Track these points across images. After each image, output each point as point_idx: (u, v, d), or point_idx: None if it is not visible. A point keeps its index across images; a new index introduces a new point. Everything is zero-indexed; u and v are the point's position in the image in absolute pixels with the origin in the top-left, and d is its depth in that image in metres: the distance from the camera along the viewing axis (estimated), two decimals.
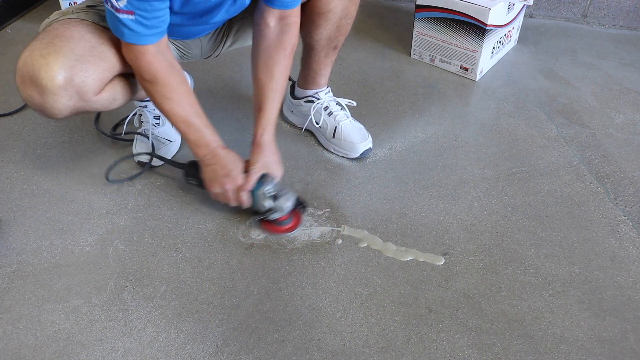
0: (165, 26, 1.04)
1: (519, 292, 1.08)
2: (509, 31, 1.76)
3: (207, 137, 1.14)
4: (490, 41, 1.64)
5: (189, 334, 1.01)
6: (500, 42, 1.72)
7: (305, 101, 1.43)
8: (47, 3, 2.12)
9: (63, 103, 1.04)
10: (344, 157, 1.40)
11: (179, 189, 1.31)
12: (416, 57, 1.79)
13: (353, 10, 1.27)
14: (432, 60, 1.76)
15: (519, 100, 1.60)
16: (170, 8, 1.04)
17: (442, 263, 1.13)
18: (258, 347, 0.99)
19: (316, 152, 1.42)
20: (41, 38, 1.05)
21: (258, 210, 1.18)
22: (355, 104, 1.45)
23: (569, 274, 1.11)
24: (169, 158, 1.35)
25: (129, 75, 1.15)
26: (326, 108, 1.41)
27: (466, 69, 1.69)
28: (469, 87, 1.67)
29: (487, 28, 1.58)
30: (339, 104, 1.43)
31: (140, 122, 1.40)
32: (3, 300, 1.08)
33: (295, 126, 1.50)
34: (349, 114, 1.43)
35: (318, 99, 1.41)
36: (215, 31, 1.32)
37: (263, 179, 1.15)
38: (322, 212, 1.25)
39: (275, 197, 1.15)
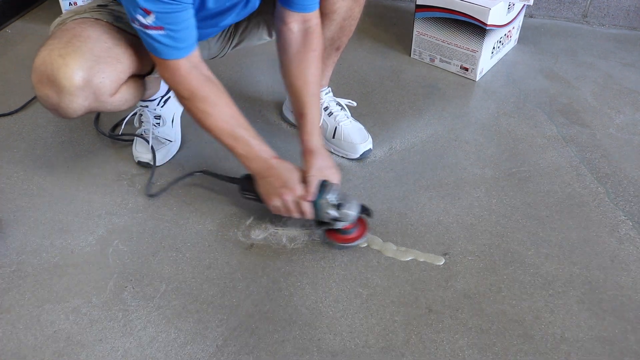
0: (195, 38, 1.02)
1: (519, 292, 1.08)
2: (509, 31, 1.76)
3: (257, 148, 1.10)
4: (490, 41, 1.64)
5: (189, 334, 1.01)
6: (500, 42, 1.72)
7: None
8: (47, 3, 2.12)
9: (79, 103, 1.05)
10: (343, 157, 1.40)
11: (179, 189, 1.31)
12: (416, 57, 1.79)
13: (357, 12, 1.26)
14: (432, 60, 1.76)
15: (519, 100, 1.60)
16: None
17: (442, 263, 1.13)
18: (258, 347, 0.99)
19: None
20: (59, 37, 1.04)
21: (322, 219, 1.12)
22: (355, 104, 1.45)
23: (569, 274, 1.11)
24: (214, 171, 1.30)
25: (140, 76, 1.15)
26: (326, 108, 1.41)
27: (466, 69, 1.69)
28: (469, 87, 1.67)
29: (487, 28, 1.58)
30: (339, 104, 1.42)
31: (141, 122, 1.40)
32: (3, 300, 1.08)
33: (296, 126, 1.50)
34: (349, 114, 1.43)
35: (320, 98, 1.41)
36: (223, 32, 1.32)
37: (323, 186, 1.09)
38: None
39: (338, 206, 1.10)
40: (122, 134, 1.45)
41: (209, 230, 1.21)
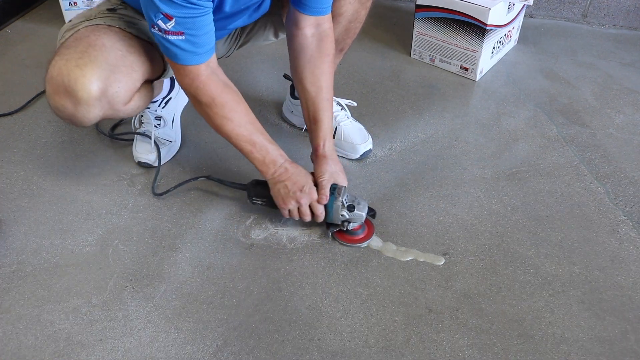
0: (213, 43, 1.02)
1: (519, 292, 1.08)
2: (509, 31, 1.76)
3: (274, 153, 1.11)
4: (490, 41, 1.64)
5: (189, 334, 1.01)
6: (500, 42, 1.72)
7: None
8: (47, 3, 2.12)
9: (95, 113, 1.06)
10: (344, 157, 1.40)
11: (178, 189, 1.31)
12: (416, 57, 1.79)
13: (363, 15, 1.27)
14: (432, 60, 1.76)
15: (519, 100, 1.60)
16: None
17: (442, 263, 1.13)
18: (258, 347, 0.99)
19: None
20: (73, 46, 1.04)
21: (333, 222, 1.15)
22: (355, 104, 1.45)
23: (569, 274, 1.11)
24: (217, 176, 1.30)
25: (149, 81, 1.15)
26: None
27: (466, 69, 1.69)
28: (469, 87, 1.67)
29: (487, 28, 1.58)
30: (339, 104, 1.42)
31: (141, 123, 1.40)
32: (3, 300, 1.08)
33: (296, 126, 1.50)
34: (350, 114, 1.43)
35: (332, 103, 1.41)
36: (230, 33, 1.32)
37: (335, 190, 1.13)
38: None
39: (350, 208, 1.13)
40: (122, 134, 1.45)
41: (209, 230, 1.21)
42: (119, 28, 1.09)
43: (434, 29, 1.69)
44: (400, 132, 1.48)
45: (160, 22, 0.94)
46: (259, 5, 1.14)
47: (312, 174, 1.16)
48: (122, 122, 1.49)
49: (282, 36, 1.34)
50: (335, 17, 1.21)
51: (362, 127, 1.41)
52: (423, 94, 1.64)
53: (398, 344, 0.99)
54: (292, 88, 1.48)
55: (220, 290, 1.09)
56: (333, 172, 1.15)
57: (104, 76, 1.02)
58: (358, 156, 1.38)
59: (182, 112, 1.52)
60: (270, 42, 1.41)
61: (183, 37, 0.96)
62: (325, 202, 1.12)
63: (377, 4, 2.11)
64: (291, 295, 1.08)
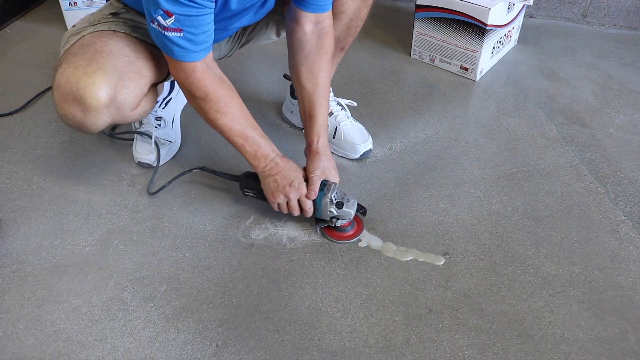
0: (211, 41, 1.03)
1: (519, 292, 1.08)
2: (509, 31, 1.75)
3: (265, 148, 1.13)
4: (490, 41, 1.64)
5: (189, 334, 1.01)
6: (500, 42, 1.72)
7: None
8: (47, 3, 2.12)
9: (104, 120, 1.06)
10: (344, 157, 1.40)
11: (179, 189, 1.31)
12: (416, 57, 1.79)
13: (364, 13, 1.27)
14: (432, 60, 1.76)
15: (519, 100, 1.60)
16: None
17: (442, 263, 1.13)
18: (258, 347, 0.99)
19: None
20: (81, 53, 1.04)
21: (322, 217, 1.15)
22: (356, 104, 1.45)
23: (569, 274, 1.11)
24: (213, 169, 1.31)
25: (153, 85, 1.16)
26: None
27: (466, 69, 1.69)
28: (469, 87, 1.67)
29: (487, 28, 1.58)
30: (339, 104, 1.42)
31: (141, 124, 1.40)
32: (3, 300, 1.08)
33: (296, 126, 1.50)
34: (350, 114, 1.43)
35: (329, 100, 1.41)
36: (233, 34, 1.32)
37: (325, 186, 1.13)
38: None
39: (338, 204, 1.13)
40: (122, 133, 1.45)
41: (209, 230, 1.21)
42: (124, 33, 1.10)
43: (434, 29, 1.69)
44: (400, 132, 1.48)
45: (160, 18, 0.94)
46: (264, 3, 1.14)
47: (305, 169, 1.16)
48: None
49: (284, 35, 1.33)
50: (337, 14, 1.21)
51: (362, 127, 1.41)
52: (423, 94, 1.64)
53: (398, 344, 0.99)
54: (292, 88, 1.48)
55: (220, 290, 1.09)
56: (325, 169, 1.16)
57: (112, 83, 1.03)
58: (358, 156, 1.38)
59: (182, 112, 1.52)
60: (272, 41, 1.41)
61: (181, 34, 0.96)
62: (313, 197, 1.13)
63: (377, 4, 2.11)
64: (291, 295, 1.08)
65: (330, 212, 1.13)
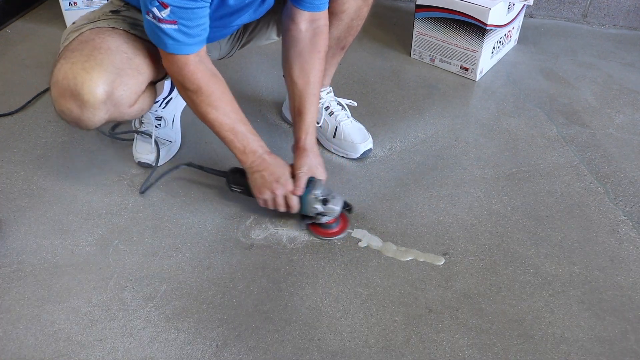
0: (206, 34, 1.03)
1: (519, 292, 1.08)
2: (509, 31, 1.75)
3: (254, 144, 1.13)
4: (490, 41, 1.64)
5: (189, 334, 1.01)
6: (500, 42, 1.72)
7: None
8: (47, 3, 2.12)
9: (101, 116, 1.06)
10: (344, 157, 1.40)
11: (179, 189, 1.31)
12: (416, 57, 1.79)
13: (365, 12, 1.27)
14: (432, 60, 1.76)
15: (519, 100, 1.60)
16: None
17: (442, 263, 1.13)
18: (258, 347, 0.99)
19: None
20: (79, 49, 1.04)
21: (307, 214, 1.16)
22: (356, 104, 1.45)
23: (569, 274, 1.11)
24: (203, 165, 1.31)
25: (152, 83, 1.16)
26: (327, 108, 1.41)
27: (466, 69, 1.69)
28: (469, 87, 1.67)
29: (487, 28, 1.58)
30: (339, 103, 1.42)
31: (141, 123, 1.40)
32: (3, 300, 1.08)
33: None
34: (350, 114, 1.43)
35: (319, 99, 1.41)
36: (234, 32, 1.32)
37: (311, 182, 1.14)
38: None
39: (324, 201, 1.14)
40: (122, 133, 1.45)
41: (209, 230, 1.21)
42: (124, 30, 1.10)
43: (434, 29, 1.69)
44: (400, 132, 1.48)
45: (155, 10, 0.94)
46: (263, 0, 1.14)
47: (292, 166, 1.17)
48: (121, 123, 1.49)
49: None
50: (337, 13, 1.21)
51: (362, 126, 1.41)
52: (423, 94, 1.64)
53: (398, 344, 0.99)
54: None
55: (220, 290, 1.09)
56: (312, 165, 1.17)
57: (110, 80, 1.02)
58: (358, 156, 1.38)
59: (182, 112, 1.52)
60: (272, 42, 1.41)
61: (176, 26, 0.96)
62: (299, 193, 1.13)
63: (377, 4, 2.11)
64: (291, 295, 1.08)
65: (315, 208, 1.14)
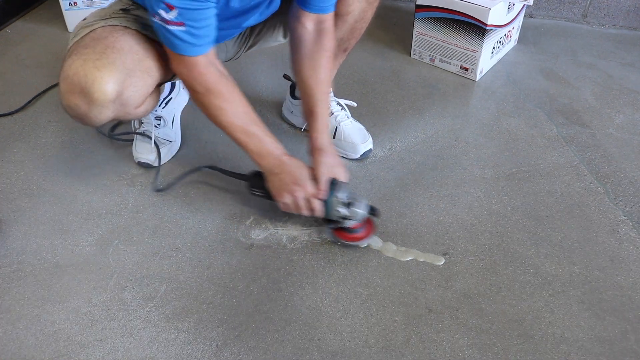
0: (214, 35, 1.02)
1: (519, 292, 1.08)
2: (509, 31, 1.76)
3: (269, 145, 1.10)
4: (490, 41, 1.64)
5: (189, 334, 1.01)
6: (500, 42, 1.72)
7: None
8: (47, 3, 2.12)
9: (107, 115, 1.06)
10: (344, 157, 1.39)
11: (179, 189, 1.31)
12: (416, 57, 1.79)
13: (369, 15, 1.27)
14: (432, 60, 1.76)
15: (519, 100, 1.60)
16: None
17: (442, 263, 1.13)
18: (258, 347, 0.99)
19: None
20: (91, 46, 1.04)
21: (331, 218, 1.12)
22: (356, 104, 1.45)
23: (569, 274, 1.11)
24: (224, 167, 1.29)
25: (158, 84, 1.16)
26: None
27: (466, 69, 1.69)
28: (469, 87, 1.67)
29: (487, 28, 1.58)
30: (339, 104, 1.42)
31: (141, 123, 1.40)
32: (3, 300, 1.08)
33: (295, 126, 1.50)
34: (350, 114, 1.43)
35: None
36: (239, 34, 1.32)
37: (333, 184, 1.10)
38: None
39: (348, 204, 1.10)
40: (121, 134, 1.45)
41: (209, 230, 1.21)
42: (135, 30, 1.10)
43: (434, 29, 1.69)
44: (400, 132, 1.48)
45: (161, 12, 0.94)
46: (270, 3, 1.14)
47: (311, 167, 1.14)
48: (121, 122, 1.49)
49: None
50: (342, 15, 1.21)
51: (362, 127, 1.41)
52: (423, 94, 1.64)
53: (398, 344, 0.99)
54: (292, 88, 1.48)
55: (220, 290, 1.09)
56: (331, 166, 1.13)
57: (120, 79, 1.03)
58: (358, 156, 1.38)
59: (182, 112, 1.52)
60: (279, 43, 1.41)
61: (184, 27, 0.96)
62: (322, 196, 1.10)
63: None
64: (291, 295, 1.08)
65: (338, 211, 1.10)
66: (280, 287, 1.09)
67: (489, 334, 1.01)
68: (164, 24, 0.96)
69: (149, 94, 1.12)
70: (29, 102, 1.59)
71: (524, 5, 1.76)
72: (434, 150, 1.42)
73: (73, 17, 1.91)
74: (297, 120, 1.48)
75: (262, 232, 1.21)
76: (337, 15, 1.20)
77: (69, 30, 1.93)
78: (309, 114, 1.19)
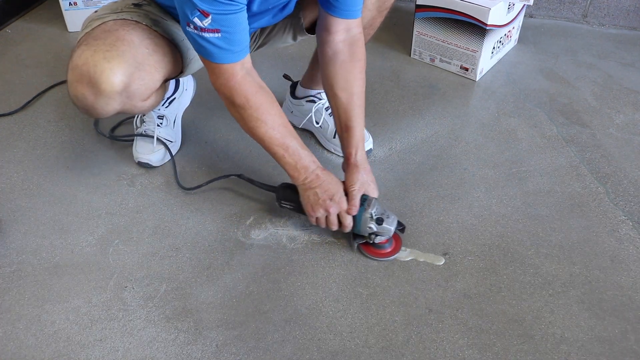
0: (248, 41, 1.02)
1: (519, 292, 1.08)
2: (509, 31, 1.76)
3: (306, 159, 1.09)
4: (490, 41, 1.64)
5: (189, 334, 1.01)
6: (500, 42, 1.72)
7: (307, 101, 1.44)
8: (47, 3, 2.12)
9: (113, 106, 1.06)
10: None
11: (179, 189, 1.31)
12: (416, 57, 1.79)
13: (378, 22, 1.26)
14: (432, 60, 1.76)
15: (519, 100, 1.60)
16: None
17: (442, 263, 1.13)
18: (258, 347, 0.99)
19: (316, 152, 1.42)
20: (102, 38, 1.04)
21: (361, 233, 1.12)
22: None
23: (569, 274, 1.11)
24: (253, 179, 1.27)
25: (164, 80, 1.16)
26: (327, 108, 1.41)
27: (466, 69, 1.69)
28: (469, 87, 1.67)
29: (487, 28, 1.58)
30: None
31: (142, 122, 1.41)
32: (3, 300, 1.08)
33: (296, 127, 1.49)
34: None
35: (320, 99, 1.41)
36: (250, 34, 1.32)
37: (365, 201, 1.11)
38: None
39: (378, 220, 1.10)
40: (121, 135, 1.45)
41: (209, 230, 1.21)
42: (146, 25, 1.10)
43: (434, 29, 1.69)
44: (400, 132, 1.48)
45: (196, 20, 0.93)
46: (284, 6, 1.14)
47: (344, 182, 1.14)
48: (122, 122, 1.49)
49: (300, 39, 1.33)
50: None
51: None
52: (423, 94, 1.64)
53: (398, 344, 0.99)
54: (292, 88, 1.48)
55: (220, 291, 1.09)
56: (364, 182, 1.13)
57: (129, 72, 1.03)
58: None
59: (184, 113, 1.52)
60: (288, 45, 1.40)
61: (219, 34, 0.96)
62: (354, 212, 1.10)
63: None
64: (291, 295, 1.08)
65: (369, 228, 1.10)
66: (280, 287, 1.09)
67: (489, 334, 1.01)
68: (199, 33, 0.96)
69: (155, 89, 1.12)
70: (29, 102, 1.59)
71: (524, 5, 1.76)
72: (434, 150, 1.42)
73: (73, 17, 1.91)
74: (297, 120, 1.48)
75: (262, 232, 1.21)
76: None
77: (69, 30, 1.93)
78: (344, 128, 1.17)
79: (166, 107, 1.43)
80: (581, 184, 1.32)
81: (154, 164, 1.35)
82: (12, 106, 1.58)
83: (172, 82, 1.45)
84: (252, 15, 1.09)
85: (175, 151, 1.42)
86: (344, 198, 1.10)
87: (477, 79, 1.69)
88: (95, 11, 1.15)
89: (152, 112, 1.38)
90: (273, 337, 1.01)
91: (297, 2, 1.18)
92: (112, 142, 1.45)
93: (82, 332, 1.02)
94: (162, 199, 1.29)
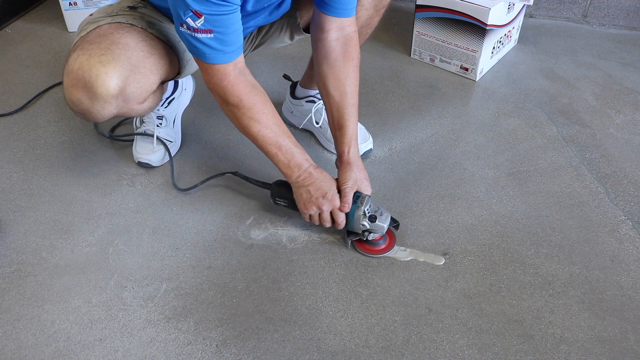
0: (242, 42, 1.02)
1: (519, 292, 1.08)
2: (509, 31, 1.76)
3: (299, 157, 1.10)
4: (490, 41, 1.64)
5: (189, 334, 1.01)
6: (500, 42, 1.72)
7: (307, 101, 1.44)
8: (47, 3, 2.12)
9: (110, 110, 1.06)
10: None
11: (179, 189, 1.31)
12: (416, 57, 1.79)
13: (376, 21, 1.26)
14: (432, 60, 1.76)
15: (519, 100, 1.60)
16: None
17: (442, 263, 1.13)
18: (258, 347, 0.99)
19: (316, 152, 1.42)
20: (97, 42, 1.04)
21: (354, 230, 1.13)
22: None
23: (569, 274, 1.11)
24: (246, 175, 1.28)
25: (161, 82, 1.16)
26: None
27: (466, 69, 1.69)
28: (469, 87, 1.67)
29: (487, 28, 1.58)
30: None
31: (142, 122, 1.41)
32: (3, 300, 1.08)
33: (295, 127, 1.50)
34: None
35: (319, 99, 1.41)
36: (247, 34, 1.32)
37: (358, 198, 1.11)
38: None
39: (372, 218, 1.10)
40: (121, 135, 1.45)
41: (209, 230, 1.21)
42: (141, 28, 1.10)
43: (434, 29, 1.69)
44: (400, 132, 1.48)
45: (189, 20, 0.94)
46: (280, 3, 1.14)
47: (337, 180, 1.14)
48: (121, 122, 1.49)
49: (298, 38, 1.33)
50: None
51: (362, 127, 1.41)
52: (423, 94, 1.64)
53: (398, 344, 0.99)
54: (292, 88, 1.48)
55: (220, 290, 1.09)
56: (357, 180, 1.14)
57: (124, 75, 1.03)
58: None
59: (182, 113, 1.52)
60: (286, 45, 1.40)
61: (212, 35, 0.96)
62: (347, 210, 1.10)
63: None
64: (291, 295, 1.08)
65: (362, 225, 1.11)
66: (280, 287, 1.09)
67: (489, 334, 1.01)
68: (192, 33, 0.96)
69: (152, 91, 1.12)
70: (29, 102, 1.59)
71: (524, 5, 1.76)
72: (434, 150, 1.42)
73: (73, 17, 1.91)
74: (297, 120, 1.48)
75: (262, 232, 1.21)
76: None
77: (69, 30, 1.93)
78: (337, 127, 1.17)
79: (165, 107, 1.43)
80: (581, 184, 1.32)
81: (154, 164, 1.36)
82: (12, 106, 1.58)
83: (171, 83, 1.44)
84: (247, 15, 1.09)
85: (175, 151, 1.42)
86: (336, 196, 1.11)
87: (477, 79, 1.69)
88: (91, 14, 1.15)
89: (152, 112, 1.38)
90: (273, 337, 1.01)
91: (293, 1, 1.18)
92: (112, 142, 1.45)
93: (82, 332, 1.02)
94: (162, 199, 1.29)
